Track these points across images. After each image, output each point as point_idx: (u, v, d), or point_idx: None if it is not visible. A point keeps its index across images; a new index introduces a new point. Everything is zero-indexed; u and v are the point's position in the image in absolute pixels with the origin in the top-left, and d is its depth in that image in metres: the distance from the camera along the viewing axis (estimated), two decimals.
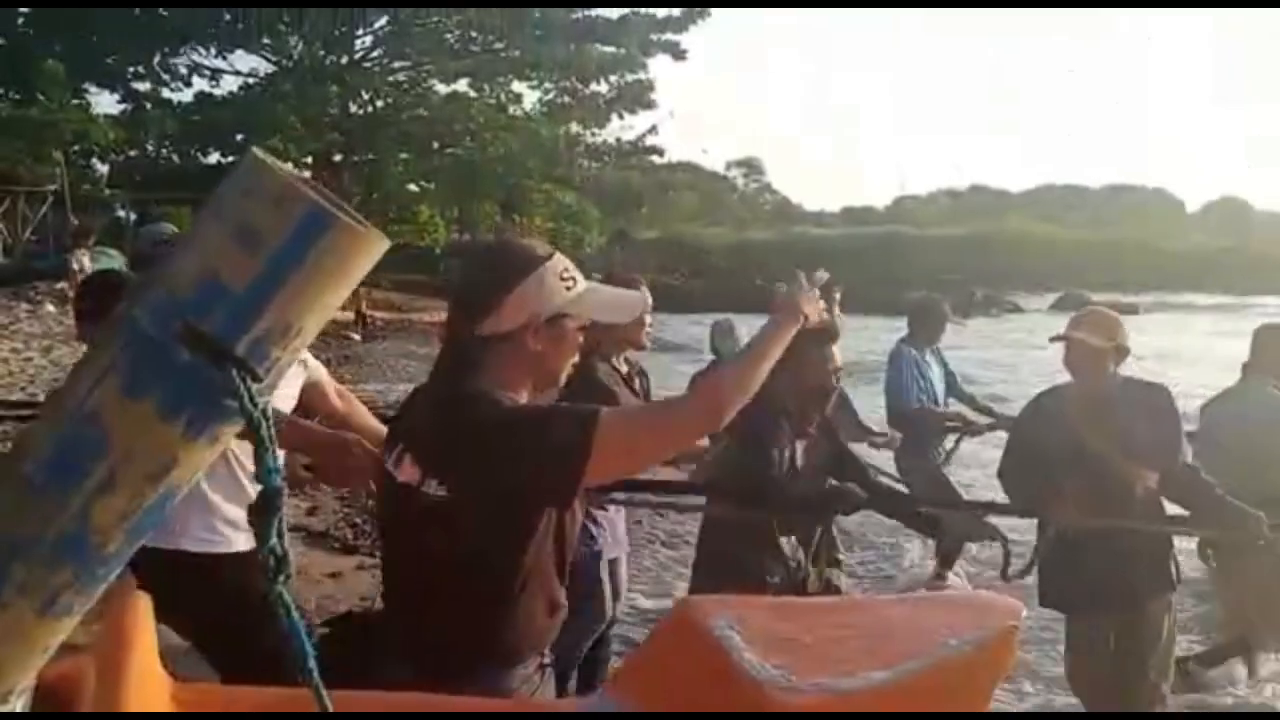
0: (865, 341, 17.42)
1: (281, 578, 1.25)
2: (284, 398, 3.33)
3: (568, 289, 2.20)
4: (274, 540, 1.22)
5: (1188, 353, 21.29)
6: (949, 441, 6.99)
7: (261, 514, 1.20)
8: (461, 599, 2.14)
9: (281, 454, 1.25)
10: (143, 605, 2.01)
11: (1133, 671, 4.08)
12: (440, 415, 2.18)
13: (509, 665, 2.18)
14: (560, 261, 2.22)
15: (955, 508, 5.32)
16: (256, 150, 1.20)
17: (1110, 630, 4.10)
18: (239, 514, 3.38)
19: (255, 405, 1.15)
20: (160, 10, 27.87)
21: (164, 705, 1.90)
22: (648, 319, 4.04)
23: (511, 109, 30.31)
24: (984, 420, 7.00)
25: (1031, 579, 4.33)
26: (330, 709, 1.35)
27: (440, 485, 2.11)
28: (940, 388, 6.88)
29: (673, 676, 1.73)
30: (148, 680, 1.86)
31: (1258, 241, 55.86)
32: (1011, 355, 22.49)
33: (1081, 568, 4.10)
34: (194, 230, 1.19)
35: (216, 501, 3.37)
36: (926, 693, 1.61)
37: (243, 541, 3.31)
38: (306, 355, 3.47)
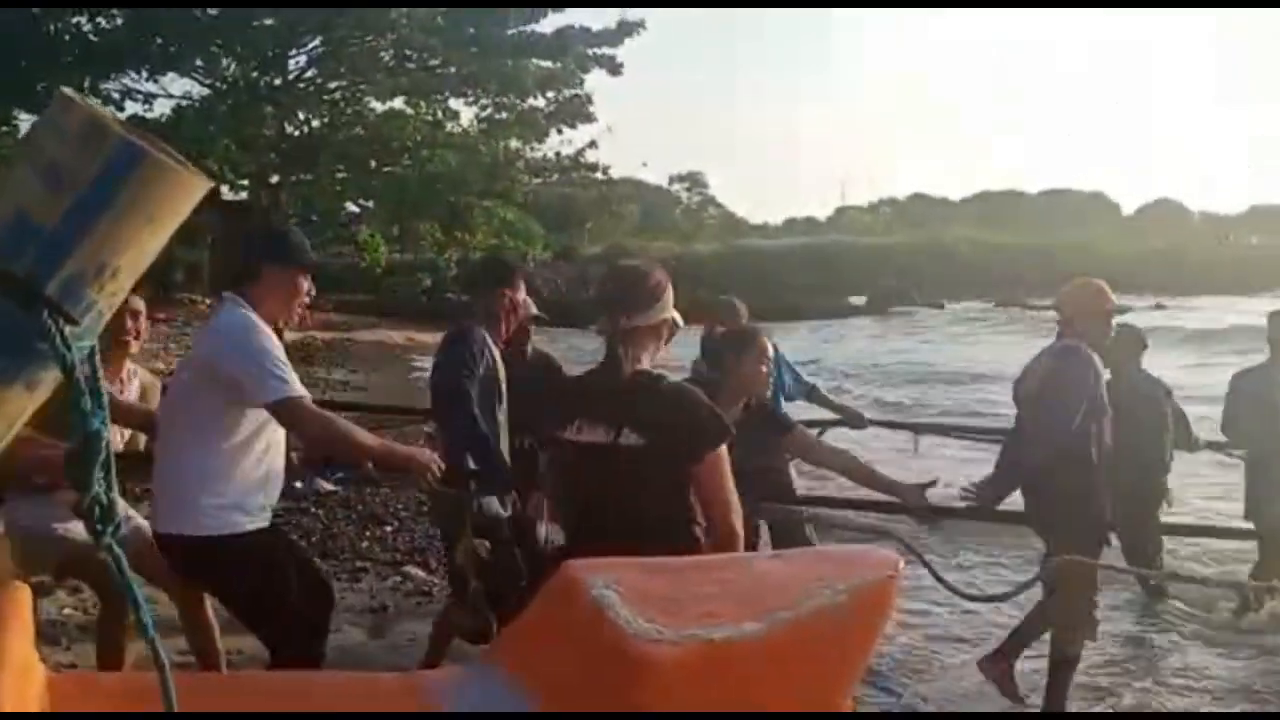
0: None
1: (109, 529, 1.22)
2: None
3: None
4: (97, 489, 1.19)
5: None
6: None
7: (81, 460, 1.18)
8: (651, 516, 2.89)
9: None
10: (20, 596, 1.96)
11: None
12: (636, 387, 2.98)
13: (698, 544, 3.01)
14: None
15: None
16: (65, 89, 1.18)
17: None
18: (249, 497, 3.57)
19: (68, 348, 1.12)
20: (90, 35, 27.49)
21: (39, 696, 1.86)
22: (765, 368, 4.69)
23: (449, 126, 30.02)
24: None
25: None
26: (167, 667, 1.32)
27: (637, 435, 2.90)
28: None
29: (550, 638, 1.72)
30: (22, 670, 1.82)
31: (1194, 243, 56.96)
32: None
33: None
34: (6, 172, 1.17)
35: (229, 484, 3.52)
36: (801, 640, 1.62)
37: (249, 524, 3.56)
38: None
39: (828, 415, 7.75)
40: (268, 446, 3.58)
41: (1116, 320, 6.12)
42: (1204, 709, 5.11)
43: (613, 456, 2.92)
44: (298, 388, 3.46)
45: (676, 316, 3.21)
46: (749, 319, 6.57)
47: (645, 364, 3.08)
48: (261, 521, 3.60)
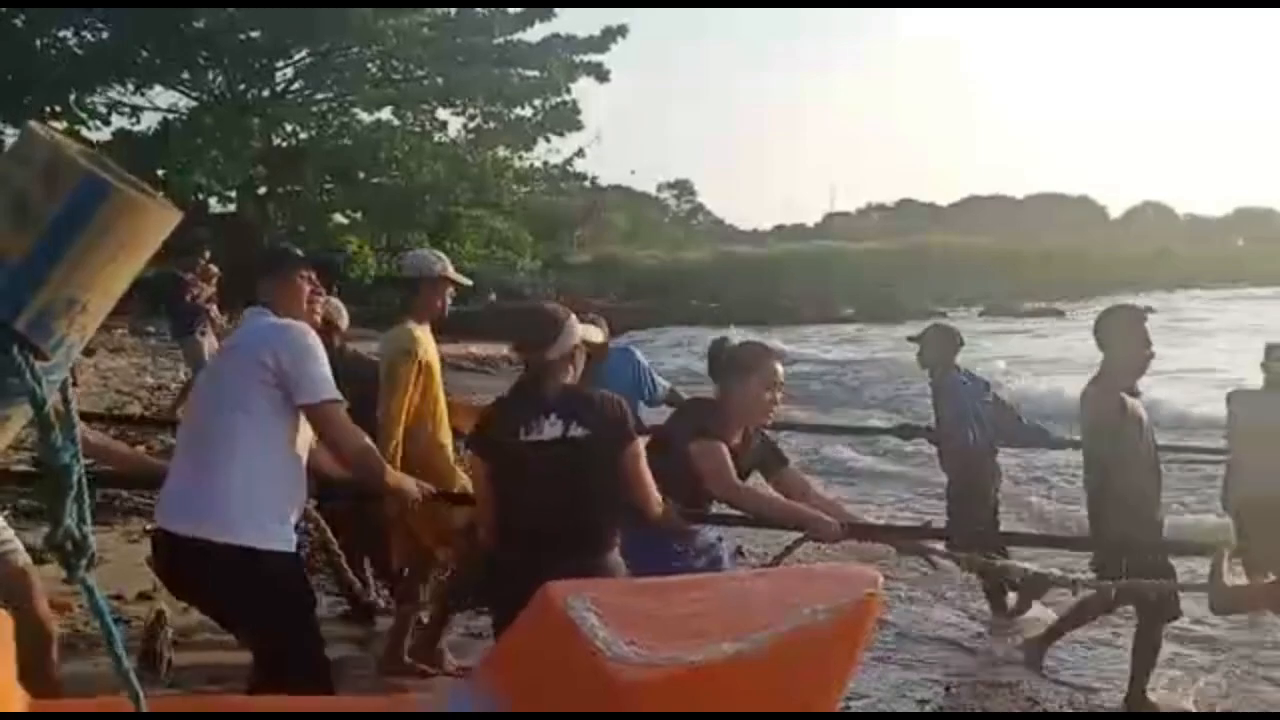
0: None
1: (83, 563, 1.22)
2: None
3: (580, 330, 3.71)
4: (69, 522, 1.19)
5: None
6: None
7: (54, 495, 1.17)
8: (591, 503, 3.48)
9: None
10: (1, 626, 1.96)
11: None
12: (571, 394, 3.57)
13: (614, 549, 3.54)
14: (573, 315, 3.76)
15: None
16: (32, 123, 1.18)
17: None
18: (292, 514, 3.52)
19: (38, 382, 1.12)
20: (75, 48, 27.44)
21: None
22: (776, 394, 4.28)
23: (437, 136, 29.99)
24: None
25: None
26: (144, 705, 1.32)
27: (583, 429, 3.46)
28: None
29: (532, 661, 1.72)
30: (2, 697, 1.82)
31: (1182, 245, 57.29)
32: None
33: None
34: None
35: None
36: (781, 661, 1.61)
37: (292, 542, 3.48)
38: None
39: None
40: (304, 463, 3.53)
41: (931, 321, 6.26)
42: None
43: (565, 448, 3.45)
44: (336, 392, 3.44)
45: (587, 338, 3.78)
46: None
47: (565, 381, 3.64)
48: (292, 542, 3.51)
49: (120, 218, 1.14)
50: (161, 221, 1.19)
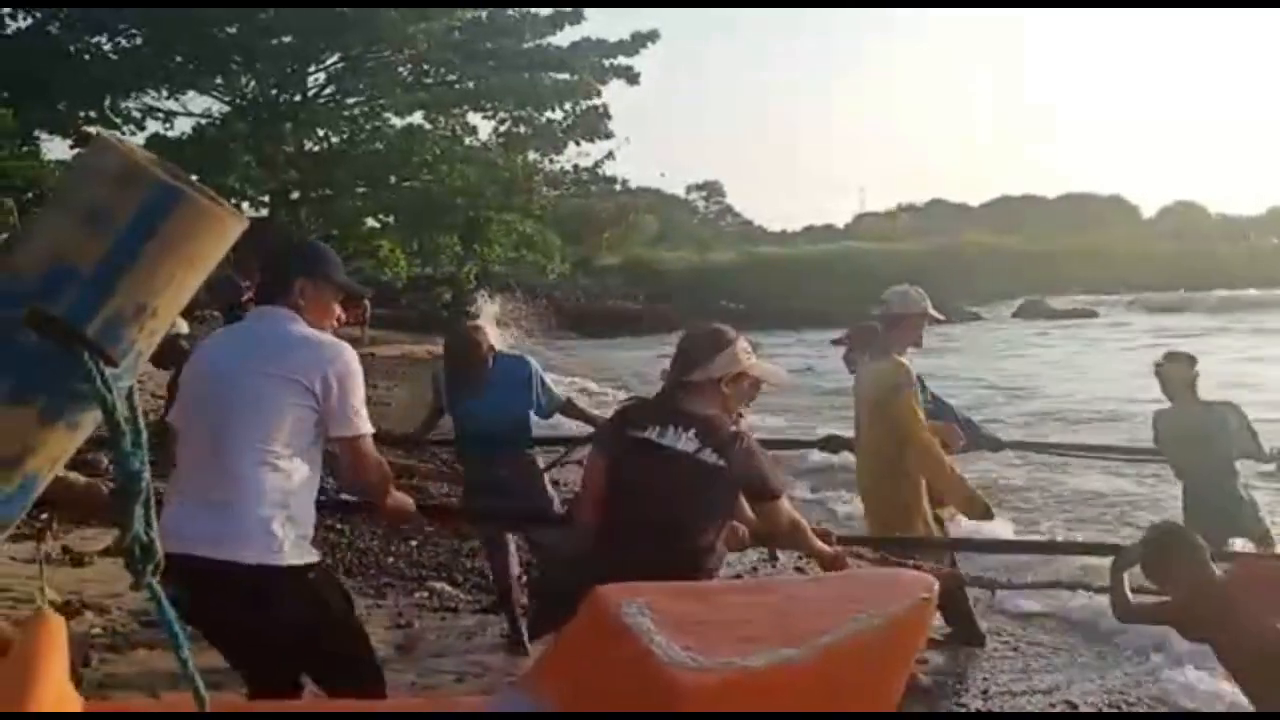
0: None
1: (150, 567, 1.23)
2: None
3: (747, 357, 3.59)
4: (138, 528, 1.19)
5: None
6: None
7: (123, 500, 1.18)
8: (702, 528, 3.41)
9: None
10: (54, 626, 1.97)
11: None
12: (714, 421, 3.44)
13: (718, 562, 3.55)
14: (742, 341, 3.63)
15: None
16: (102, 131, 1.19)
17: None
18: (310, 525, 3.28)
19: (108, 388, 1.13)
20: (110, 54, 27.71)
21: None
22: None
23: (467, 140, 30.14)
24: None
25: None
26: (206, 705, 1.32)
27: (718, 457, 3.35)
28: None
29: (586, 666, 1.72)
30: (58, 701, 1.83)
31: (1214, 244, 56.80)
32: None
33: None
34: (41, 214, 1.17)
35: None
36: (838, 666, 1.60)
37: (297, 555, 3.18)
38: None
39: None
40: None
41: (862, 323, 6.29)
42: None
43: (694, 466, 3.36)
44: (369, 424, 3.27)
45: (753, 371, 3.62)
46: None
47: (714, 410, 3.50)
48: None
49: (191, 225, 1.15)
50: (230, 228, 1.19)
